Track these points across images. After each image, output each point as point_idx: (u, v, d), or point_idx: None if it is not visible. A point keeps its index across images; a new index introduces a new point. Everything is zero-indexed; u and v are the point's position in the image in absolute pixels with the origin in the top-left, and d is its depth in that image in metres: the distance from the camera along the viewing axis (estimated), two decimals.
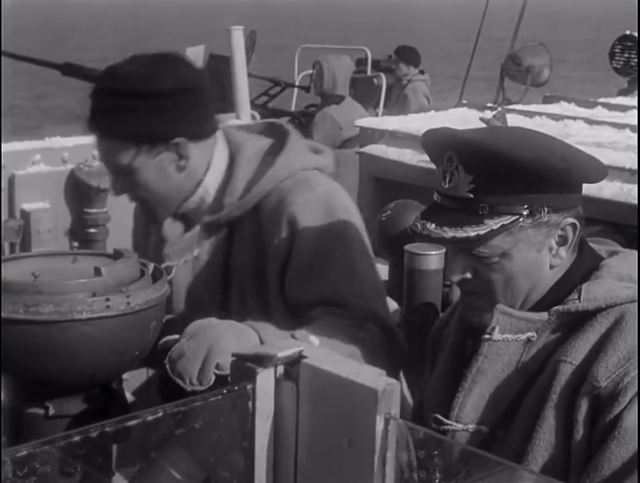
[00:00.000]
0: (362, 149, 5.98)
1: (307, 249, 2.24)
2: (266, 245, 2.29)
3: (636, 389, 1.70)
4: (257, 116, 7.84)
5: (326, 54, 8.04)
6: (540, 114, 5.84)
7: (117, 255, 1.93)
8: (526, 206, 1.79)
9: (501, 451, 1.80)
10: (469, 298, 1.93)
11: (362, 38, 16.23)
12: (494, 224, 1.78)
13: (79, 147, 4.79)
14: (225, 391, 1.26)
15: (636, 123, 4.82)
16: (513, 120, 5.57)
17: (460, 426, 1.88)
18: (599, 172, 1.86)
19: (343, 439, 1.24)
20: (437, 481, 1.20)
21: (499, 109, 5.62)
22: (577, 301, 1.81)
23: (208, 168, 2.34)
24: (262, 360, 1.28)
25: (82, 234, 4.68)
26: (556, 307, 1.82)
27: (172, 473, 1.65)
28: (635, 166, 3.89)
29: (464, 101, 7.09)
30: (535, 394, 1.80)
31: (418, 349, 3.25)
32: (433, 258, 3.19)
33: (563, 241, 1.85)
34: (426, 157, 6.24)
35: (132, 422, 1.15)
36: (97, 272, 1.79)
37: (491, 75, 8.49)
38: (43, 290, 1.73)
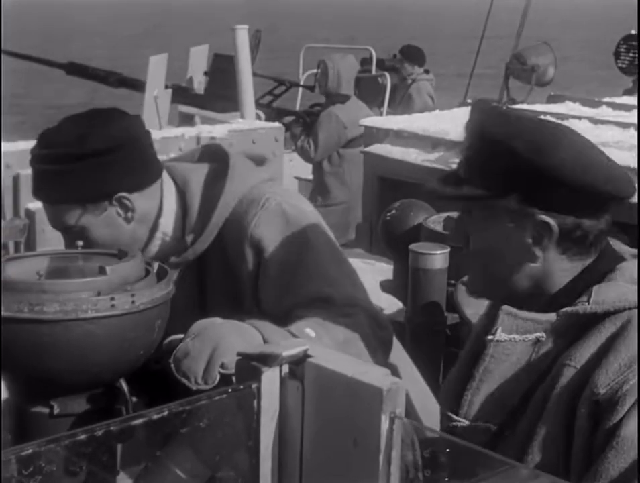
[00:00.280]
0: (367, 149, 5.98)
1: (275, 261, 2.28)
2: (236, 269, 2.33)
3: (635, 397, 1.68)
4: (262, 115, 7.86)
5: (331, 54, 8.04)
6: (544, 113, 5.83)
7: (121, 254, 1.93)
8: (499, 188, 1.82)
9: (507, 449, 1.80)
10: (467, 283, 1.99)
11: (367, 38, 16.23)
12: (468, 192, 1.85)
13: None
14: (230, 390, 1.26)
15: None
16: None
17: (468, 423, 1.89)
18: (630, 186, 1.85)
19: (348, 438, 1.24)
20: (442, 480, 1.20)
21: (504, 108, 5.61)
22: (587, 303, 1.80)
23: (160, 210, 2.36)
24: (267, 359, 1.28)
25: None
26: (565, 309, 1.81)
27: (176, 472, 1.65)
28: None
29: (469, 100, 7.09)
30: (540, 395, 1.79)
31: (423, 347, 3.26)
32: (437, 257, 3.19)
33: (539, 240, 1.84)
34: (430, 157, 6.27)
35: (137, 421, 1.15)
36: (102, 270, 1.79)
37: (495, 73, 8.49)
38: (47, 289, 1.73)
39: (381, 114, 9.22)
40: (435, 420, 2.32)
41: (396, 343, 2.49)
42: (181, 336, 2.01)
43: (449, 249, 3.22)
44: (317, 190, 7.73)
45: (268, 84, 9.24)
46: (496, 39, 13.62)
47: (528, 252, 1.85)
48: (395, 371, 2.25)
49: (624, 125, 4.96)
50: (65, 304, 1.71)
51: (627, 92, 8.61)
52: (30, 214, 4.53)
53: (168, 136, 5.25)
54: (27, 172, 4.61)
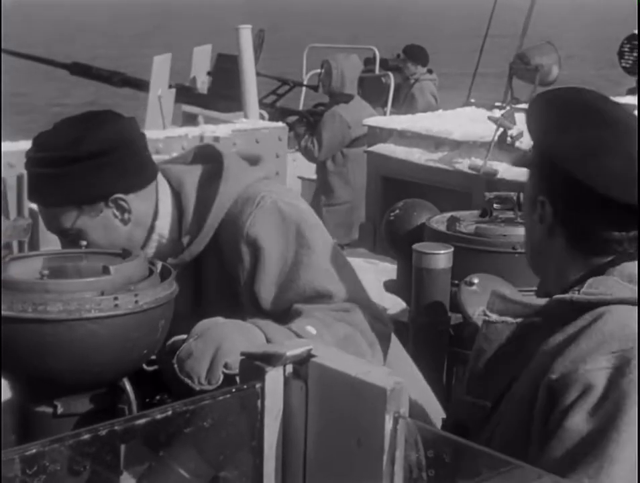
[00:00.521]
0: (370, 149, 5.99)
1: (272, 261, 2.28)
2: (233, 270, 2.33)
3: (581, 388, 1.65)
4: (266, 115, 7.86)
5: (334, 53, 8.04)
6: None
7: (125, 254, 1.93)
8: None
9: (489, 428, 1.83)
10: None
11: (370, 37, 16.23)
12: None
13: None
14: (233, 390, 1.26)
15: None
16: (522, 119, 5.57)
17: (469, 398, 1.92)
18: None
19: (352, 437, 1.24)
20: (445, 480, 1.20)
21: (507, 108, 5.62)
22: (577, 293, 1.80)
23: (156, 212, 2.37)
24: (271, 359, 1.28)
25: None
26: (557, 296, 1.81)
27: (180, 472, 1.65)
28: None
29: (472, 100, 7.09)
30: (520, 378, 1.81)
31: (427, 347, 3.26)
32: (441, 257, 3.19)
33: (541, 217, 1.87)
34: (434, 157, 6.25)
35: (141, 421, 1.15)
36: (105, 270, 1.80)
37: (499, 73, 8.48)
38: (51, 288, 1.73)
39: (384, 114, 9.22)
40: (436, 419, 2.32)
41: (396, 341, 2.49)
42: (184, 336, 2.01)
43: (452, 249, 3.22)
44: (321, 189, 7.73)
45: (272, 84, 9.25)
46: (500, 38, 13.61)
47: (535, 229, 1.89)
48: (395, 370, 2.26)
49: None
50: (68, 304, 1.71)
51: (631, 91, 8.60)
52: (34, 214, 4.52)
53: (172, 136, 5.25)
54: None
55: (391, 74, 10.06)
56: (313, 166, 8.10)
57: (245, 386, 1.28)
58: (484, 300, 2.60)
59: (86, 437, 1.09)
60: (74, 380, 1.79)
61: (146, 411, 1.16)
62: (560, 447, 1.63)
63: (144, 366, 1.93)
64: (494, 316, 1.88)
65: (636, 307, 1.72)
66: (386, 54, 10.87)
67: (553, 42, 7.01)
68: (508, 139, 5.19)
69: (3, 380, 1.84)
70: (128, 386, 1.86)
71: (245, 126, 5.61)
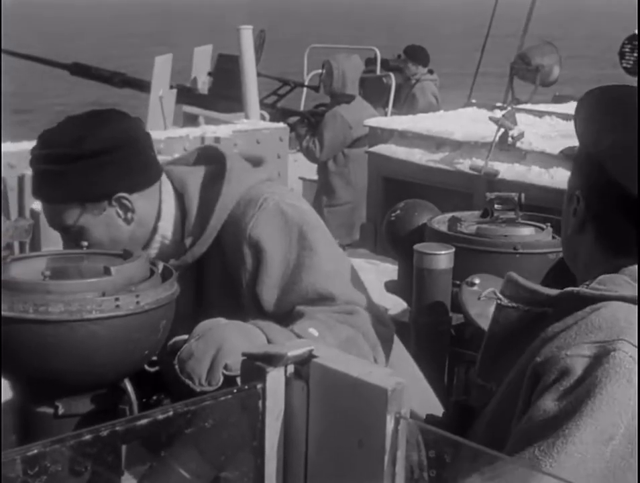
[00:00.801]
0: (371, 149, 5.99)
1: (274, 262, 2.28)
2: (235, 272, 2.33)
3: (559, 372, 1.65)
4: (267, 116, 7.86)
5: (335, 54, 8.05)
6: (550, 113, 5.83)
7: (126, 254, 1.93)
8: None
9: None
10: None
11: (371, 38, 16.23)
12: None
13: None
14: (235, 390, 1.26)
15: None
16: (523, 120, 5.57)
17: (479, 380, 1.94)
18: None
19: (353, 438, 1.24)
20: (446, 480, 1.20)
21: (508, 108, 5.62)
22: (585, 286, 1.80)
23: (159, 213, 2.37)
24: (272, 359, 1.28)
25: None
26: (567, 289, 1.82)
27: (181, 472, 1.65)
28: None
29: (473, 101, 7.09)
30: (517, 362, 1.82)
31: (428, 347, 3.26)
32: (442, 258, 3.19)
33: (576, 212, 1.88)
34: (435, 157, 6.25)
35: (142, 422, 1.15)
36: (107, 271, 1.80)
37: (501, 72, 8.48)
38: (52, 289, 1.73)
39: (385, 114, 9.22)
40: None
41: (398, 342, 2.49)
42: (185, 337, 2.01)
43: (453, 250, 3.22)
44: (322, 190, 7.73)
45: (273, 84, 9.25)
46: (502, 38, 13.60)
47: (569, 223, 1.90)
48: (397, 371, 2.26)
49: None
50: (70, 305, 1.71)
51: None
52: (35, 214, 4.53)
53: (173, 136, 5.26)
54: (31, 172, 4.62)
55: (392, 75, 10.07)
56: (314, 167, 8.11)
57: (246, 387, 1.27)
58: (484, 301, 2.60)
59: (88, 437, 1.09)
60: (75, 380, 1.79)
61: (147, 412, 1.16)
62: (527, 424, 1.64)
63: (146, 367, 1.94)
64: (505, 301, 1.88)
65: (636, 306, 1.73)
66: (387, 55, 10.88)
67: (554, 42, 7.01)
68: (509, 139, 5.19)
69: (3, 381, 1.84)
70: (129, 387, 1.86)
71: (246, 127, 5.62)
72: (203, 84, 8.72)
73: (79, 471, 1.43)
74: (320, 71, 8.52)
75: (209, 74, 8.89)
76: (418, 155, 5.51)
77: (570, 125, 1.99)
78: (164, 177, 2.40)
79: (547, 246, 3.24)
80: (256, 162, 2.47)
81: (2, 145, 4.61)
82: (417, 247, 3.23)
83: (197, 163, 2.50)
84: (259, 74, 6.82)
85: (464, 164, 5.19)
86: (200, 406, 1.21)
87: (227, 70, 8.20)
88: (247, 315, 2.26)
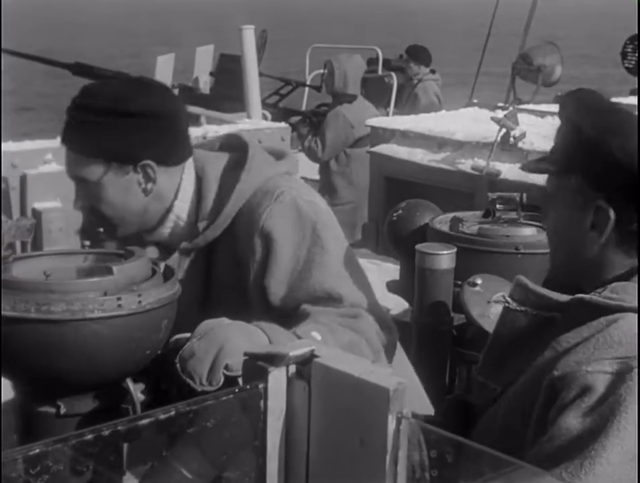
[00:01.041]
0: (373, 149, 5.99)
1: (284, 255, 2.28)
2: (244, 261, 2.33)
3: (580, 388, 1.65)
4: (268, 115, 7.86)
5: (337, 54, 8.05)
6: (552, 114, 5.82)
7: (128, 254, 1.93)
8: (567, 166, 1.85)
9: (492, 413, 1.85)
10: None
11: (373, 38, 16.23)
12: (549, 167, 1.91)
13: None
14: (236, 390, 1.26)
15: None
16: (524, 120, 5.57)
17: (480, 378, 1.95)
18: None
19: (354, 438, 1.24)
20: (448, 480, 1.20)
21: (510, 108, 5.61)
22: (598, 295, 1.80)
23: (177, 193, 2.37)
24: (274, 359, 1.28)
25: (93, 233, 4.69)
26: (578, 295, 1.81)
27: (183, 472, 1.65)
28: None
29: (475, 101, 7.08)
30: (528, 370, 1.81)
31: (429, 347, 3.26)
32: (444, 258, 3.19)
33: (597, 225, 1.84)
34: (437, 157, 6.24)
35: (144, 421, 1.15)
36: (109, 271, 1.80)
37: (503, 72, 8.48)
38: (55, 289, 1.73)
39: (387, 114, 9.23)
40: None
41: (399, 347, 2.49)
42: (187, 335, 2.01)
43: (455, 250, 3.22)
44: (324, 189, 7.73)
45: (275, 84, 9.25)
46: (504, 36, 13.59)
47: (586, 237, 1.86)
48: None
49: None
50: (72, 304, 1.71)
51: (634, 92, 8.59)
52: (37, 214, 4.53)
53: None
54: (33, 171, 4.63)
55: (394, 75, 10.07)
56: (316, 167, 8.10)
57: (248, 386, 1.28)
58: (486, 301, 2.61)
59: (89, 437, 1.09)
60: (77, 380, 1.79)
61: (149, 411, 1.16)
62: (549, 443, 1.64)
63: None
64: (514, 304, 1.88)
65: None
66: (388, 55, 10.88)
67: (556, 42, 7.01)
68: (511, 139, 5.19)
69: (5, 380, 1.84)
70: (131, 386, 1.86)
71: (247, 126, 5.61)
72: (205, 83, 8.73)
73: (81, 470, 1.42)
74: (322, 71, 8.52)
75: (211, 73, 8.90)
76: (420, 155, 5.51)
77: None
78: (189, 160, 2.41)
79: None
80: (278, 155, 2.48)
81: (4, 144, 4.61)
82: (419, 247, 3.24)
83: (221, 150, 2.51)
84: (261, 74, 6.81)
85: (466, 164, 5.19)
86: (202, 406, 1.22)
87: (229, 70, 8.20)
88: (253, 310, 2.27)
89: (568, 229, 1.89)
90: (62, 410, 1.79)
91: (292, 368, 1.30)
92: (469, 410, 2.00)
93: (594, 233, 1.84)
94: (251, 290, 2.32)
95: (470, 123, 5.88)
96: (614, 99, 6.50)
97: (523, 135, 5.21)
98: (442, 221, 3.50)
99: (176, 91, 7.44)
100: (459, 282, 3.16)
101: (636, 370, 1.63)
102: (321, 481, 1.31)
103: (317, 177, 8.18)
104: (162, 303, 1.82)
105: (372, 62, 10.48)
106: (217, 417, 1.25)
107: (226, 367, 1.94)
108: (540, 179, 2.11)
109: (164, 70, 6.90)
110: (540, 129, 5.58)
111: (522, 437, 1.73)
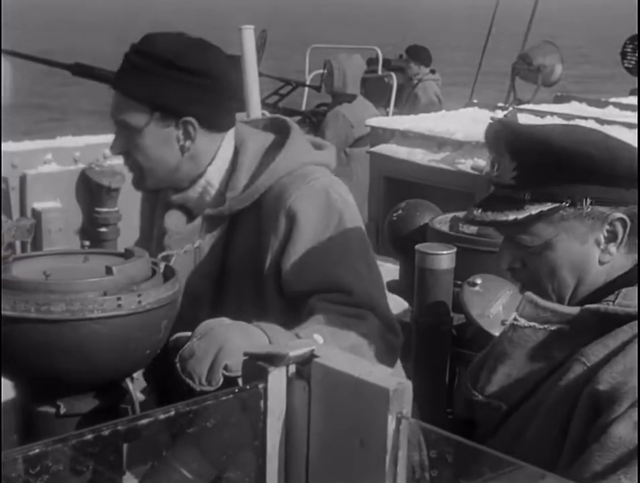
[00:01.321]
0: (373, 149, 5.99)
1: (305, 238, 2.29)
2: (265, 239, 2.33)
3: (632, 400, 1.68)
4: (268, 115, 7.85)
5: (337, 54, 8.05)
6: (551, 114, 5.83)
7: (128, 254, 1.93)
8: (568, 196, 1.81)
9: (509, 429, 1.85)
10: (521, 288, 1.98)
11: (373, 38, 16.23)
12: (533, 210, 1.82)
13: (90, 146, 4.81)
14: (236, 390, 1.26)
15: None
16: (524, 120, 5.57)
17: (482, 398, 1.93)
18: None
19: (354, 438, 1.24)
20: (448, 480, 1.20)
21: (510, 108, 5.62)
22: (612, 303, 1.80)
23: (212, 160, 2.39)
24: (274, 359, 1.28)
25: (93, 233, 4.70)
26: (589, 305, 1.81)
27: (183, 472, 1.65)
28: None
29: (475, 101, 7.08)
30: (549, 385, 1.81)
31: (429, 347, 3.26)
32: (444, 258, 3.19)
33: (612, 236, 1.84)
34: (436, 157, 6.24)
35: (144, 421, 1.15)
36: (108, 271, 1.79)
37: (503, 72, 8.48)
38: (54, 289, 1.73)
39: (387, 114, 9.23)
40: None
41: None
42: (187, 334, 2.01)
43: (455, 250, 3.21)
44: None
45: (274, 84, 9.25)
46: (505, 36, 13.60)
47: (596, 253, 1.86)
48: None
49: (631, 126, 4.96)
50: (72, 304, 1.71)
51: (634, 92, 8.59)
52: (37, 214, 4.54)
53: None
54: (33, 171, 4.63)
55: (394, 75, 10.07)
56: None
57: (248, 387, 1.28)
58: (486, 301, 2.61)
59: (89, 437, 1.09)
60: (76, 379, 1.79)
61: (149, 411, 1.16)
62: (602, 452, 1.66)
63: None
64: (522, 321, 1.87)
65: None
66: (388, 55, 10.88)
67: (555, 42, 7.02)
68: None
69: (5, 380, 1.84)
70: (131, 386, 1.86)
71: None
72: None
73: (80, 470, 1.42)
74: (321, 71, 8.52)
75: None
76: (419, 155, 5.51)
77: None
78: (231, 131, 2.42)
79: None
80: (318, 146, 2.51)
81: (4, 144, 4.61)
82: (419, 247, 3.23)
83: (264, 130, 2.53)
84: (260, 74, 6.80)
85: (466, 164, 5.19)
86: (202, 406, 1.22)
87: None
88: (265, 286, 2.29)
89: (579, 256, 1.87)
90: (62, 410, 1.79)
91: (292, 368, 1.30)
92: (471, 430, 1.99)
93: (607, 246, 1.86)
94: (267, 270, 2.33)
95: (470, 123, 5.87)
96: (614, 99, 6.50)
97: None
98: (442, 221, 3.49)
99: None
100: (459, 282, 3.16)
101: None
102: (321, 481, 1.31)
103: None
104: (162, 303, 1.81)
105: (372, 62, 10.48)
106: (217, 417, 1.25)
107: (225, 368, 1.94)
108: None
109: None
110: None
111: (558, 451, 1.75)
